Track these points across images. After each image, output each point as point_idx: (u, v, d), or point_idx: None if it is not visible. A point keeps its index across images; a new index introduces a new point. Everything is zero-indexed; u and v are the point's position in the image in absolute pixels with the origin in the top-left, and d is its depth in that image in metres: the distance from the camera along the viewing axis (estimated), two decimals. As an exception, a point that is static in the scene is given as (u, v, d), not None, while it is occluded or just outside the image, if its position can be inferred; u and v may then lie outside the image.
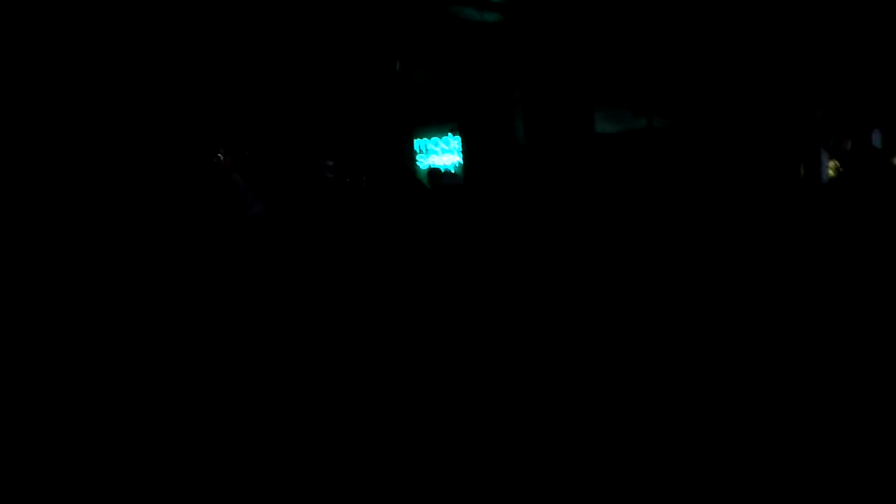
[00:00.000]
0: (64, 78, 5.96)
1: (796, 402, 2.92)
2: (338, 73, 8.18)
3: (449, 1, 7.57)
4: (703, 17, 6.54)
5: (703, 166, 6.86)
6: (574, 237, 6.35)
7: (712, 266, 5.25)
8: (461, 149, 8.71)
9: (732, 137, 6.92)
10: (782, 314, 4.18)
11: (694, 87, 7.23)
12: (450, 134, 8.80)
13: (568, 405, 3.00)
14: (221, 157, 5.65)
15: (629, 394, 3.11)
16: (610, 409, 2.93)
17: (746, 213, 6.18)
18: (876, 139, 6.82)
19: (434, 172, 7.72)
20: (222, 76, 6.98)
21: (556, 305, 4.55)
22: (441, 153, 8.85)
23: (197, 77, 6.69)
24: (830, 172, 6.55)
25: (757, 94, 6.93)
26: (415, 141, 9.05)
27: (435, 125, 8.85)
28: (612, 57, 7.43)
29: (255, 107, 7.45)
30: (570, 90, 7.77)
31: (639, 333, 3.93)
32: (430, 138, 8.98)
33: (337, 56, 8.11)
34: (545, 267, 5.58)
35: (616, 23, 7.02)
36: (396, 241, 6.09)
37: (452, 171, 8.55)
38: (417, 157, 8.93)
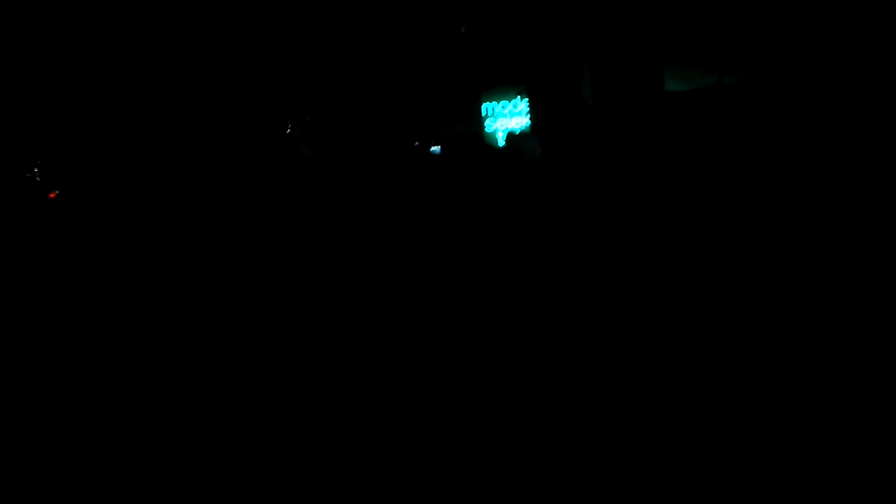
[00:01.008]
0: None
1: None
2: (404, 38, 8.34)
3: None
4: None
5: (778, 125, 6.56)
6: (646, 202, 6.25)
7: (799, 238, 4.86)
8: (529, 111, 8.73)
9: (811, 92, 6.56)
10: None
11: (766, 39, 6.89)
12: (518, 97, 8.82)
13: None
14: (290, 130, 5.98)
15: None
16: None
17: (829, 176, 5.77)
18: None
19: (511, 136, 7.65)
20: (288, 50, 7.30)
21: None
22: (509, 116, 8.90)
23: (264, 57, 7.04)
24: None
25: (835, 42, 6.51)
26: (483, 105, 9.13)
27: (502, 88, 8.89)
28: (680, 10, 7.19)
29: (320, 75, 7.74)
30: (637, 48, 7.61)
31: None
32: (497, 101, 9.04)
33: (402, 21, 8.26)
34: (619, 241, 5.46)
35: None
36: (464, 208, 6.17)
37: (529, 133, 8.40)
38: (486, 121, 9.02)
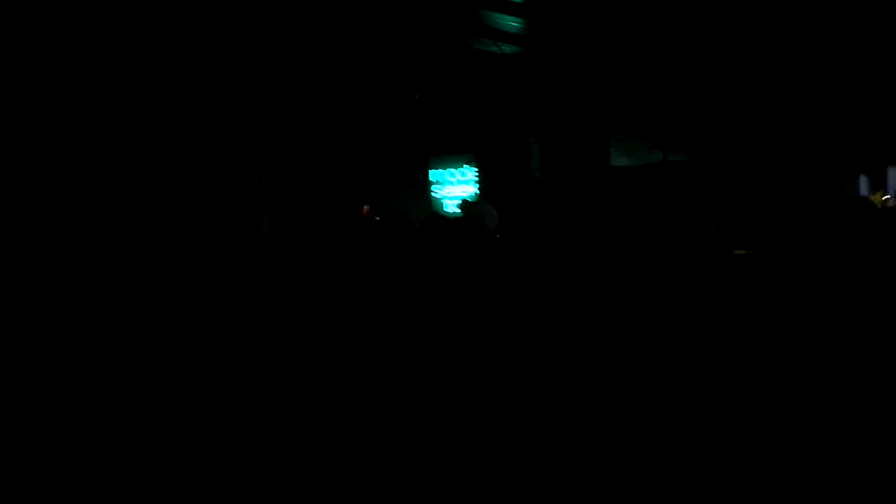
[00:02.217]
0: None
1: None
2: (356, 104, 8.25)
3: (466, 32, 7.64)
4: (721, 50, 6.53)
5: (723, 199, 6.77)
6: (589, 270, 6.31)
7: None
8: (477, 180, 8.75)
9: (754, 169, 6.84)
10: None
11: (712, 119, 7.23)
12: (465, 164, 8.85)
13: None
14: (241, 197, 5.74)
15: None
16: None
17: (772, 247, 5.98)
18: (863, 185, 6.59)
19: (465, 204, 7.41)
20: (241, 115, 7.06)
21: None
22: (456, 183, 8.89)
23: (217, 121, 6.78)
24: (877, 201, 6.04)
25: (776, 124, 6.89)
26: (431, 171, 9.09)
27: (451, 155, 8.89)
28: (629, 90, 7.46)
29: (272, 141, 7.52)
30: (586, 123, 7.82)
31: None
32: (445, 168, 9.03)
33: (355, 87, 8.19)
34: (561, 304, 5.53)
35: (634, 56, 7.03)
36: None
37: (482, 201, 8.12)
38: (433, 187, 8.97)
